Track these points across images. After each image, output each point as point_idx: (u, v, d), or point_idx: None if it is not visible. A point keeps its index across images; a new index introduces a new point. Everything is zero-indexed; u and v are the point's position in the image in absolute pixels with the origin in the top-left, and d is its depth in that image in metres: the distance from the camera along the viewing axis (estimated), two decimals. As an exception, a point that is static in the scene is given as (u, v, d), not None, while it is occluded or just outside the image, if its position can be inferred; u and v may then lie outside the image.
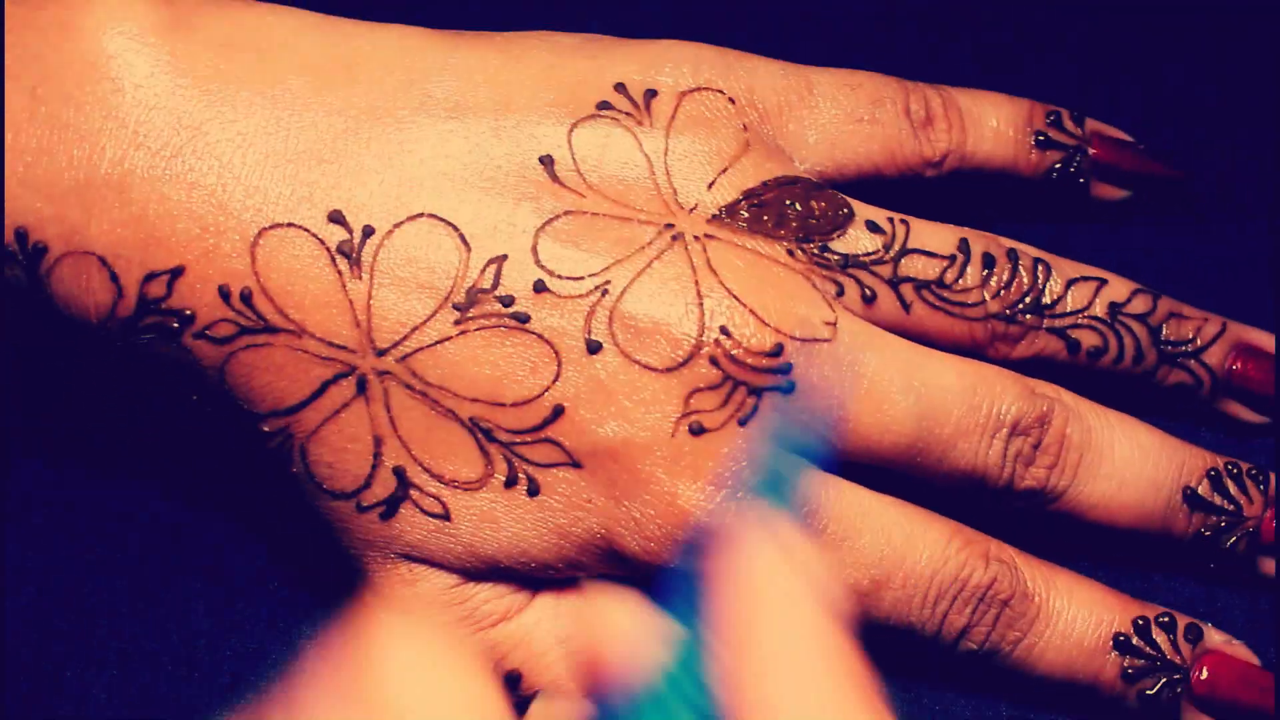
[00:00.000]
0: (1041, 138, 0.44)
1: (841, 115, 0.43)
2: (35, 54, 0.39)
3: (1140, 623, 0.41)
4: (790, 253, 0.40)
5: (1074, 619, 0.40)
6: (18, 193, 0.38)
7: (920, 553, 0.40)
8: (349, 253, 0.38)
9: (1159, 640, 0.41)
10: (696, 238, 0.40)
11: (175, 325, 0.38)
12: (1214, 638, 0.41)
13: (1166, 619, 0.41)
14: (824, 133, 0.43)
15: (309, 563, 0.45)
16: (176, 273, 0.38)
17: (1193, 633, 0.41)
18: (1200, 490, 0.42)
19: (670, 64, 0.42)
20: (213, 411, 0.40)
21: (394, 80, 0.40)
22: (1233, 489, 0.42)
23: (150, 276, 0.38)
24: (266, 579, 0.45)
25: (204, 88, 0.39)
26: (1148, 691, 0.40)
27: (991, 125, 0.44)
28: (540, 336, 0.39)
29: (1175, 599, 0.43)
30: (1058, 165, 0.45)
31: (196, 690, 0.44)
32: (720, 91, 0.42)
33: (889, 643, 0.40)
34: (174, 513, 0.46)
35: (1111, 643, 0.40)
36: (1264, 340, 0.44)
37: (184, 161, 0.38)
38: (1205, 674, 0.40)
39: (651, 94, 0.41)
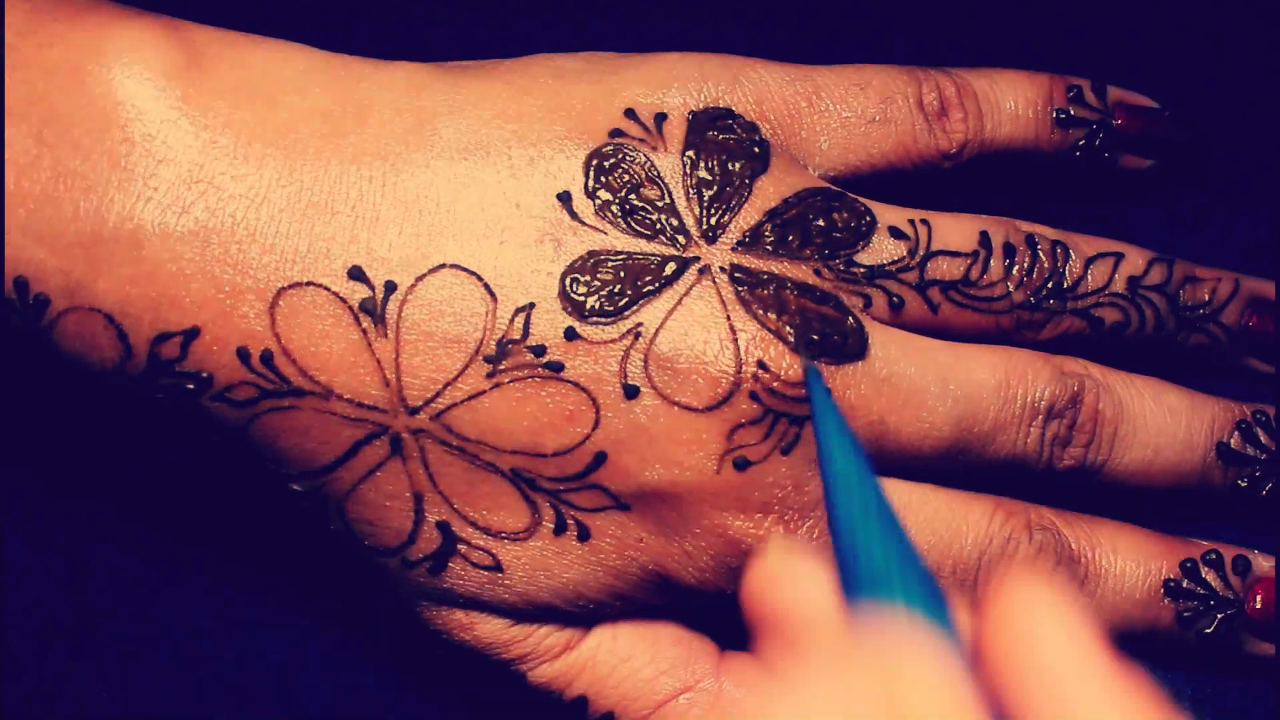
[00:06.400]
0: (1063, 115, 0.43)
1: (853, 118, 0.42)
2: (41, 95, 0.37)
3: (1188, 565, 0.41)
4: (817, 272, 0.40)
5: (1122, 573, 0.41)
6: (19, 241, 0.36)
7: (965, 536, 0.40)
8: (372, 310, 0.37)
9: (1209, 579, 0.41)
10: (723, 269, 0.39)
11: (191, 387, 0.37)
12: (1262, 564, 0.42)
13: (1213, 556, 0.42)
14: (835, 137, 0.41)
15: (311, 564, 0.45)
16: (191, 334, 0.37)
17: (1240, 564, 0.42)
18: (1232, 444, 0.42)
19: (677, 82, 0.40)
20: (236, 468, 0.39)
21: (404, 123, 0.39)
22: (1263, 438, 0.43)
23: (162, 337, 0.37)
24: (267, 579, 0.45)
25: (215, 139, 0.37)
26: (1206, 631, 0.41)
27: (1009, 108, 0.43)
28: (576, 384, 0.38)
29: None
30: (1081, 142, 0.44)
31: (196, 690, 0.44)
32: (729, 108, 0.40)
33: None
34: (176, 513, 0.45)
35: (1163, 589, 0.41)
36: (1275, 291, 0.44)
37: (196, 217, 0.37)
38: (1259, 603, 0.41)
39: (662, 117, 0.40)
